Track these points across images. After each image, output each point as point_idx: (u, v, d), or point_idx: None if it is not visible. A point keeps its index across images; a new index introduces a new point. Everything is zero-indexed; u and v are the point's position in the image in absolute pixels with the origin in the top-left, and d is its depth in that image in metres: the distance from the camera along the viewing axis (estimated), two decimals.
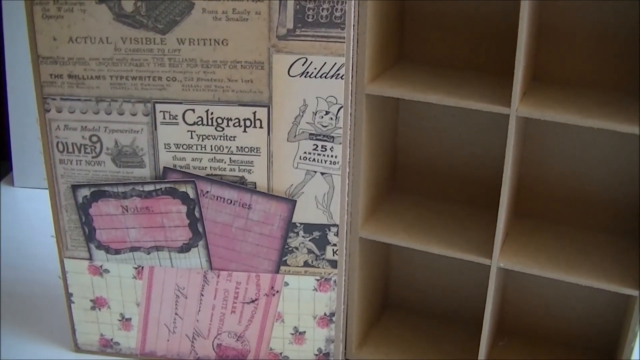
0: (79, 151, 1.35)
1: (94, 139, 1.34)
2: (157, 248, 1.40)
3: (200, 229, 1.38)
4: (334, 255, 1.39)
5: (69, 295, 1.48)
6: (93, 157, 1.35)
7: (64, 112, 1.32)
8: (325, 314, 1.43)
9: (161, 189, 1.36)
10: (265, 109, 1.30)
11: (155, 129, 1.32)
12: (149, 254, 1.41)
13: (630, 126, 1.19)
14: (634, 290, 1.27)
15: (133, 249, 1.41)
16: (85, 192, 1.37)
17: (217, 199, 1.36)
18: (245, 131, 1.31)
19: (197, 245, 1.39)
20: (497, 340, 1.54)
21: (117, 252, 1.41)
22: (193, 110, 1.31)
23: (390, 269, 1.63)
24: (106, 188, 1.36)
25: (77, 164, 1.36)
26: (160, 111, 1.31)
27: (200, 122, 1.31)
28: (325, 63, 1.26)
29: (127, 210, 1.37)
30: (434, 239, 1.39)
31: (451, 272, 1.57)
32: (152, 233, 1.39)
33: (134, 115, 1.31)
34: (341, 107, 1.29)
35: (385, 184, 1.52)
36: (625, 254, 1.37)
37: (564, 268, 1.32)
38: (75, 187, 1.37)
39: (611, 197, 1.42)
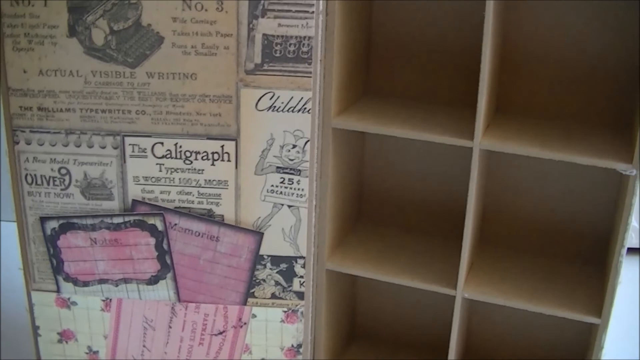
0: (48, 183, 1.35)
1: (63, 171, 1.34)
2: (126, 280, 1.40)
3: (169, 261, 1.38)
4: (301, 287, 1.40)
5: (35, 328, 1.47)
6: (62, 190, 1.35)
7: (33, 144, 1.33)
8: (292, 345, 1.44)
9: (130, 221, 1.36)
10: (233, 143, 1.31)
11: (124, 162, 1.33)
12: (117, 286, 1.41)
13: (591, 158, 1.22)
14: (597, 318, 1.29)
15: (101, 281, 1.41)
16: (53, 224, 1.37)
17: (185, 231, 1.37)
18: (213, 164, 1.33)
19: (165, 278, 1.40)
20: None
21: (85, 284, 1.41)
22: (162, 143, 1.32)
23: (356, 299, 1.64)
24: (75, 220, 1.37)
25: (45, 196, 1.36)
26: (130, 144, 1.32)
27: (168, 155, 1.33)
28: (292, 97, 1.28)
29: (95, 243, 1.38)
30: (399, 270, 1.41)
31: (417, 302, 1.59)
32: (120, 265, 1.39)
33: (103, 148, 1.32)
34: (308, 140, 1.30)
35: (352, 216, 1.54)
36: (588, 283, 1.39)
37: (528, 297, 1.34)
38: (43, 219, 1.37)
39: (574, 227, 1.44)
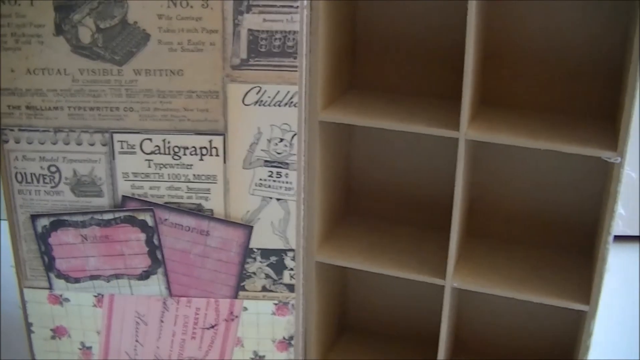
0: (38, 181, 1.36)
1: (53, 169, 1.35)
2: (117, 276, 1.41)
3: (159, 256, 1.39)
4: (291, 279, 1.41)
5: (28, 325, 1.48)
6: (52, 187, 1.36)
7: (22, 142, 1.34)
8: (284, 338, 1.45)
9: (120, 217, 1.37)
10: (221, 137, 1.32)
11: (114, 159, 1.34)
12: (108, 282, 1.42)
13: (576, 147, 1.23)
14: (585, 305, 1.31)
15: (93, 278, 1.42)
16: (44, 221, 1.38)
17: (175, 226, 1.37)
18: (201, 159, 1.34)
19: (156, 273, 1.40)
20: (454, 358, 1.56)
21: (77, 280, 1.42)
22: (150, 139, 1.33)
23: (346, 291, 1.65)
24: (65, 217, 1.37)
25: (36, 194, 1.37)
26: (118, 141, 1.33)
27: (157, 151, 1.33)
28: (278, 91, 1.29)
29: (86, 239, 1.38)
30: (388, 261, 1.42)
31: (407, 293, 1.60)
32: (111, 261, 1.40)
33: (92, 145, 1.33)
34: (295, 134, 1.31)
35: (340, 208, 1.55)
36: (576, 271, 1.40)
37: (517, 286, 1.35)
38: (34, 217, 1.38)
39: (561, 216, 1.45)
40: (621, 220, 2.14)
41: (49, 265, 1.41)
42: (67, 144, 1.33)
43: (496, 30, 1.38)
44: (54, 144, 1.33)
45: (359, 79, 1.50)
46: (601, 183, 1.40)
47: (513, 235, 1.49)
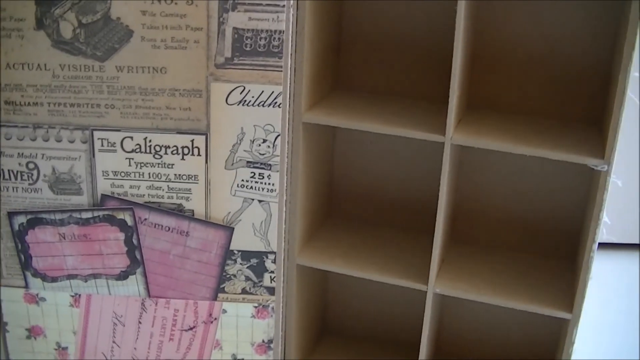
0: (16, 178, 1.34)
1: (31, 165, 1.33)
2: (95, 276, 1.39)
3: (138, 257, 1.37)
4: (271, 282, 1.39)
5: (3, 325, 1.46)
6: (30, 184, 1.34)
7: (0, 138, 1.31)
8: (263, 341, 1.44)
9: (99, 216, 1.35)
10: (204, 137, 1.30)
11: (93, 156, 1.32)
12: (86, 281, 1.40)
13: (563, 153, 1.22)
14: (568, 313, 1.30)
15: (70, 277, 1.40)
16: (21, 219, 1.36)
17: (155, 226, 1.36)
18: (183, 159, 1.32)
19: (135, 273, 1.39)
20: None
21: (54, 280, 1.40)
22: (131, 137, 1.31)
23: (328, 295, 1.64)
24: (43, 215, 1.35)
25: (13, 191, 1.35)
26: (99, 138, 1.31)
27: (138, 150, 1.31)
28: (262, 91, 1.27)
29: (64, 238, 1.36)
30: (370, 266, 1.41)
31: (388, 298, 1.59)
32: (89, 260, 1.38)
33: (71, 142, 1.31)
34: (278, 135, 1.30)
35: (323, 211, 1.54)
36: (559, 278, 1.39)
37: (500, 293, 1.34)
38: (11, 214, 1.36)
39: (546, 223, 1.45)
40: (605, 228, 2.14)
41: (25, 264, 1.39)
42: (46, 140, 1.31)
43: (484, 33, 1.37)
44: (33, 140, 1.31)
45: (344, 81, 1.48)
46: (587, 190, 1.39)
47: (497, 241, 1.49)
